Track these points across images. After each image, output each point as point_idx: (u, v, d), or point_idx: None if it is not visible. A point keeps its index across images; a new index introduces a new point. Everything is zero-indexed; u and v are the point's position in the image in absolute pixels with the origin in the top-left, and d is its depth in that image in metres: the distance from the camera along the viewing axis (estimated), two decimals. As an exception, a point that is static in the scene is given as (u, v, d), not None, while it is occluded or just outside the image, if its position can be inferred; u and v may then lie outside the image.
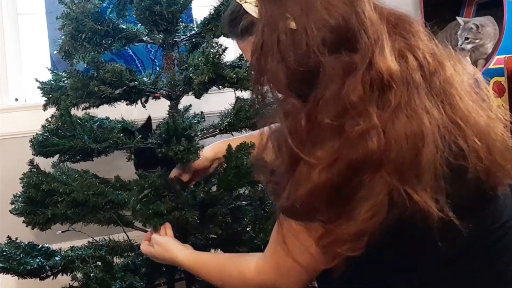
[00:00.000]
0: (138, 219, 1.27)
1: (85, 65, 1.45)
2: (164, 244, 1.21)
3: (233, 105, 1.53)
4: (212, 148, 1.35)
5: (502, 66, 2.03)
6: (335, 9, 0.79)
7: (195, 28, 1.54)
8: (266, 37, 0.83)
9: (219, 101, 1.62)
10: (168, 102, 1.53)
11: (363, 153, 0.74)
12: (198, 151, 1.23)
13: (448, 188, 0.76)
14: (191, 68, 1.40)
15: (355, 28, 0.79)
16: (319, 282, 1.00)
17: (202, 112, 1.54)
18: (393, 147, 0.74)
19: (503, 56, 2.06)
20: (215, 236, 1.36)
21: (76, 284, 1.27)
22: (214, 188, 1.38)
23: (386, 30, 0.81)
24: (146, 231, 1.52)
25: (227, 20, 0.99)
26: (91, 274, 1.21)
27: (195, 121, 1.51)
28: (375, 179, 0.74)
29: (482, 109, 0.83)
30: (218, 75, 1.33)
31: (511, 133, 0.87)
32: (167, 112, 1.52)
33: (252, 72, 0.88)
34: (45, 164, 1.51)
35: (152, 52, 2.21)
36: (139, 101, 1.47)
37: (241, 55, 1.50)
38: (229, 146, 1.29)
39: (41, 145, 1.35)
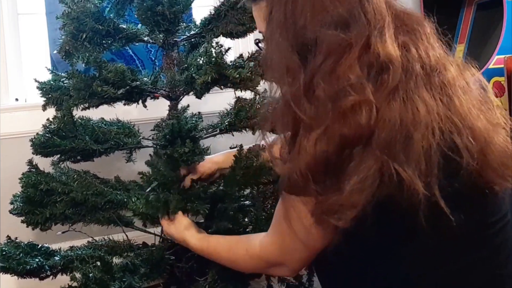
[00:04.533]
0: (148, 212, 1.28)
1: (83, 65, 1.45)
2: (181, 225, 1.26)
3: (233, 105, 1.53)
4: (222, 155, 1.40)
5: (502, 66, 2.03)
6: None
7: (194, 28, 1.54)
8: (275, 4, 0.87)
9: (217, 101, 1.62)
10: (167, 102, 1.53)
11: (354, 127, 0.76)
12: (203, 153, 1.24)
13: (441, 177, 0.77)
14: (192, 68, 1.40)
15: (355, 12, 0.82)
16: (318, 273, 1.02)
17: (199, 113, 1.54)
18: (386, 125, 0.76)
19: (503, 56, 2.06)
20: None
21: (75, 284, 1.27)
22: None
23: (391, 21, 0.83)
24: (146, 231, 1.52)
25: None
26: (90, 275, 1.21)
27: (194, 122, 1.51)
28: (365, 154, 0.76)
29: (483, 115, 0.84)
30: (221, 75, 1.33)
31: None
32: (167, 112, 1.52)
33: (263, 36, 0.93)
34: (45, 164, 1.51)
35: (152, 52, 2.21)
36: (139, 102, 1.47)
37: (241, 54, 1.50)
38: (241, 146, 1.30)
39: (42, 146, 1.35)
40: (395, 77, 0.79)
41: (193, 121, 1.37)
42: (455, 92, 0.82)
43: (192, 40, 1.57)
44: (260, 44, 1.04)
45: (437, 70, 0.82)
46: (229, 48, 1.37)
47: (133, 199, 1.39)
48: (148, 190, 1.28)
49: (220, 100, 1.59)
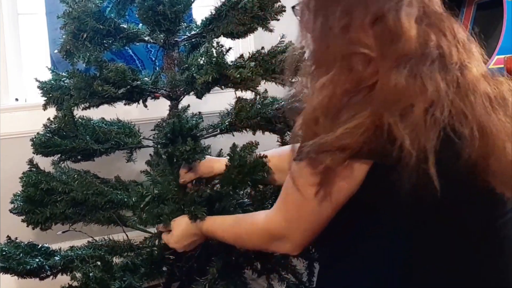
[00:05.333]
0: (145, 225, 1.28)
1: (84, 65, 1.44)
2: (185, 220, 1.24)
3: (234, 105, 1.52)
4: (220, 159, 1.39)
5: (502, 66, 2.02)
6: None
7: (195, 28, 1.54)
8: None
9: (217, 101, 1.61)
10: (167, 102, 1.53)
11: (353, 78, 0.84)
12: (204, 151, 1.23)
13: (439, 153, 0.80)
14: (193, 68, 1.40)
15: None
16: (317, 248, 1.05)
17: (200, 113, 1.54)
18: (389, 86, 0.82)
19: (503, 56, 2.06)
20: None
21: (75, 283, 1.27)
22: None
23: (417, 8, 0.89)
24: (146, 231, 1.52)
25: None
26: (91, 274, 1.21)
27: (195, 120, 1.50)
28: (363, 105, 0.82)
29: (503, 124, 0.87)
30: (221, 75, 1.32)
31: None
32: (168, 112, 1.52)
33: None
34: (45, 163, 1.51)
35: (152, 52, 2.21)
36: (139, 102, 1.47)
37: (241, 55, 1.49)
38: (233, 144, 1.29)
39: (43, 145, 1.35)
40: (405, 48, 0.84)
41: (194, 120, 1.37)
42: (473, 91, 0.86)
43: (193, 40, 1.57)
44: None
45: (457, 65, 0.87)
46: (230, 48, 1.37)
47: (133, 199, 1.40)
48: (142, 205, 1.27)
49: (220, 100, 1.59)
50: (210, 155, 1.42)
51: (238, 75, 1.34)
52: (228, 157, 1.30)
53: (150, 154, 1.46)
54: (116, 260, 1.42)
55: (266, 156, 1.26)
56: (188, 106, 1.53)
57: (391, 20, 0.86)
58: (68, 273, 1.41)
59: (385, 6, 0.87)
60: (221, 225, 1.19)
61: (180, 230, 1.25)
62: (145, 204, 1.24)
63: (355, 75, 0.84)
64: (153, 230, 1.53)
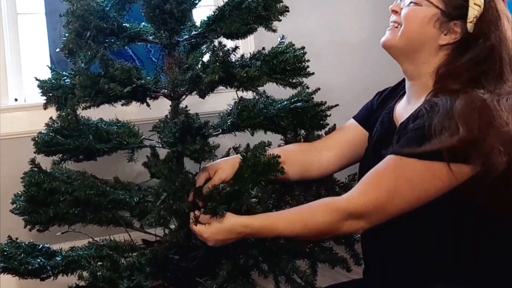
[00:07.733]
0: (161, 223, 1.24)
1: (83, 64, 1.43)
2: (234, 217, 1.17)
3: (236, 105, 1.51)
4: (237, 158, 1.35)
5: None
6: None
7: (197, 28, 1.53)
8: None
9: (214, 102, 1.61)
10: (164, 103, 1.52)
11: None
12: (213, 150, 1.21)
13: None
14: (197, 67, 1.39)
15: None
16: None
17: (197, 114, 1.53)
18: None
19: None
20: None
21: (82, 283, 1.26)
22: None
23: None
24: (145, 232, 1.51)
25: None
26: (98, 273, 1.20)
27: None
28: None
29: None
30: (228, 74, 1.32)
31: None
32: (168, 112, 1.51)
33: None
34: (44, 164, 1.50)
35: (152, 52, 2.21)
36: (143, 101, 1.46)
37: (243, 55, 1.49)
38: (248, 145, 1.28)
39: (45, 145, 1.34)
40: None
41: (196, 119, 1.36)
42: None
43: (192, 40, 1.56)
44: None
45: None
46: (236, 47, 1.36)
47: (135, 199, 1.39)
48: (158, 203, 1.24)
49: (218, 101, 1.58)
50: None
51: (245, 74, 1.33)
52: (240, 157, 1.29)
53: (147, 156, 1.45)
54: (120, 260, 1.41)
55: (279, 156, 1.26)
56: (186, 106, 1.52)
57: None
58: (69, 274, 1.40)
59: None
60: (280, 215, 1.16)
61: (226, 225, 1.15)
62: (161, 203, 1.22)
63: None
64: (153, 230, 1.53)
